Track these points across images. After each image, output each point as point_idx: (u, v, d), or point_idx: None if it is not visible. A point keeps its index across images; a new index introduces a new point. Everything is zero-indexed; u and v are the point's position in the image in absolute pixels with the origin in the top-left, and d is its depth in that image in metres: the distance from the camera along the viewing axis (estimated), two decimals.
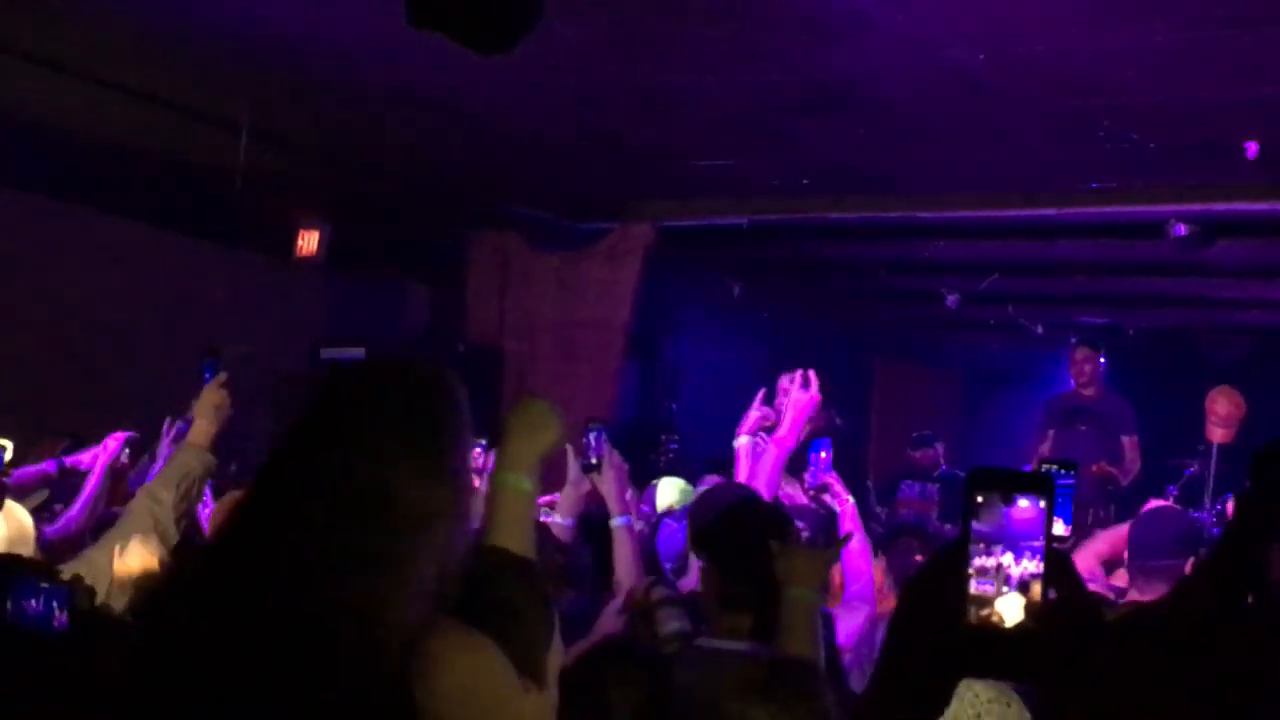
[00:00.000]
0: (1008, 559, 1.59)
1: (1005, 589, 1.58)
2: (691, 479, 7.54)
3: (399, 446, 2.21)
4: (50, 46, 7.02)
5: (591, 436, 5.71)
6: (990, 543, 1.60)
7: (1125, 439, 10.58)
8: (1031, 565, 1.59)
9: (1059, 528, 4.27)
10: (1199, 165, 7.85)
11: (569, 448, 6.10)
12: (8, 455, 4.82)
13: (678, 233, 9.86)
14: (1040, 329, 12.22)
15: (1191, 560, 5.52)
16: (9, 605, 3.15)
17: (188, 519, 4.36)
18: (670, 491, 7.38)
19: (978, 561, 1.60)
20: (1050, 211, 8.64)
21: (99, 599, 3.37)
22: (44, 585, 3.24)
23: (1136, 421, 10.63)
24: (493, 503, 2.69)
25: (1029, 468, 5.95)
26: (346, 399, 2.30)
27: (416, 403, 2.30)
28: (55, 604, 3.15)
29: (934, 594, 1.64)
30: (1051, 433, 10.71)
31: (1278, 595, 1.94)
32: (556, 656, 2.68)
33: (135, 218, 9.37)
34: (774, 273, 11.48)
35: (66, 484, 6.24)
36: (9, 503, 4.59)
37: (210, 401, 4.56)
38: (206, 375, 4.78)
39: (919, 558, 6.37)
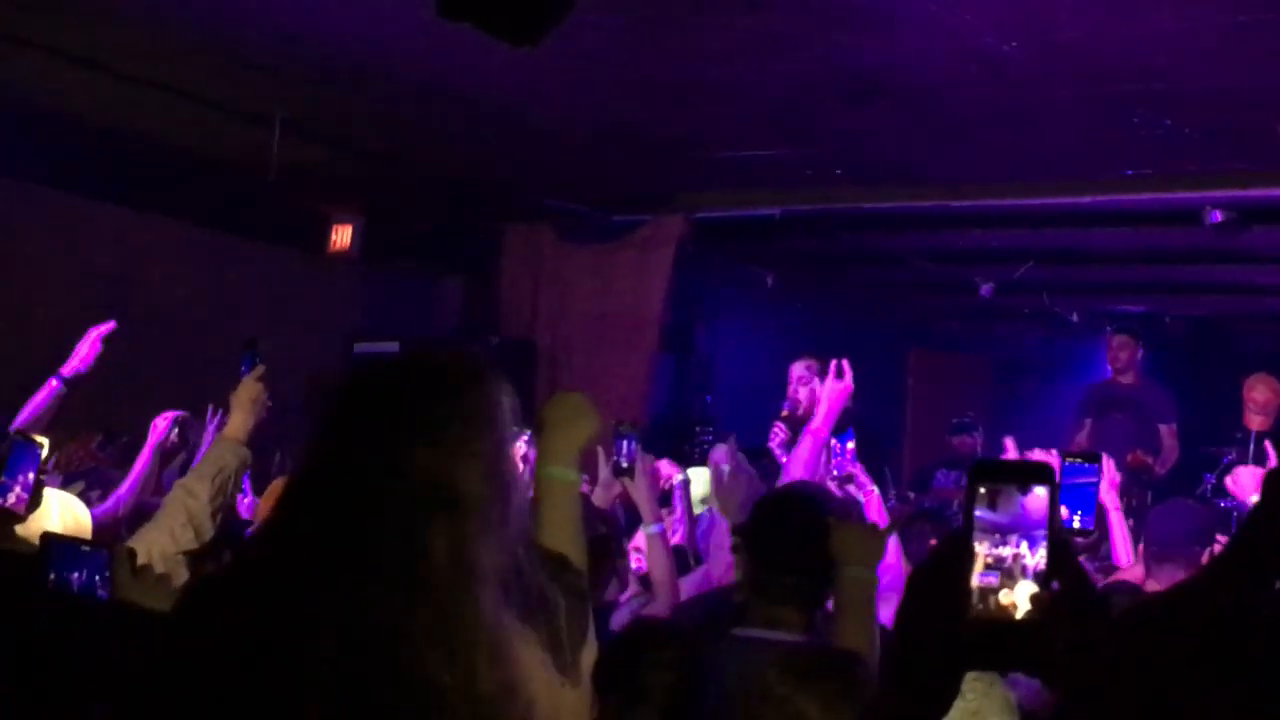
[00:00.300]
0: (1010, 550, 1.59)
1: (1008, 581, 1.58)
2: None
3: (447, 437, 2.18)
4: (82, 43, 7.06)
5: (624, 441, 5.70)
6: (993, 534, 1.59)
7: (1163, 427, 10.51)
8: (1035, 556, 1.58)
9: (1078, 521, 4.25)
10: (1234, 151, 7.80)
11: (600, 449, 6.12)
12: (44, 452, 4.82)
13: (710, 224, 9.86)
14: (1075, 317, 12.17)
15: (1208, 551, 5.51)
16: (52, 576, 3.20)
17: (224, 511, 4.36)
18: (702, 482, 7.37)
19: (980, 553, 1.59)
20: (1085, 199, 8.60)
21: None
22: (85, 550, 3.29)
23: (1176, 409, 10.56)
24: (540, 498, 2.69)
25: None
26: (388, 391, 2.26)
27: (458, 394, 2.26)
28: (97, 573, 3.19)
29: (937, 586, 1.63)
30: (1089, 421, 10.65)
31: None
32: (591, 652, 2.69)
33: (169, 214, 9.41)
34: (807, 263, 11.46)
35: (100, 474, 6.25)
36: (65, 495, 4.55)
37: (247, 395, 4.52)
38: (244, 368, 4.77)
39: (933, 542, 6.34)
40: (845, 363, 5.94)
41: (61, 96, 7.85)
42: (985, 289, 10.97)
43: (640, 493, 5.45)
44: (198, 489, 4.30)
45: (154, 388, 6.52)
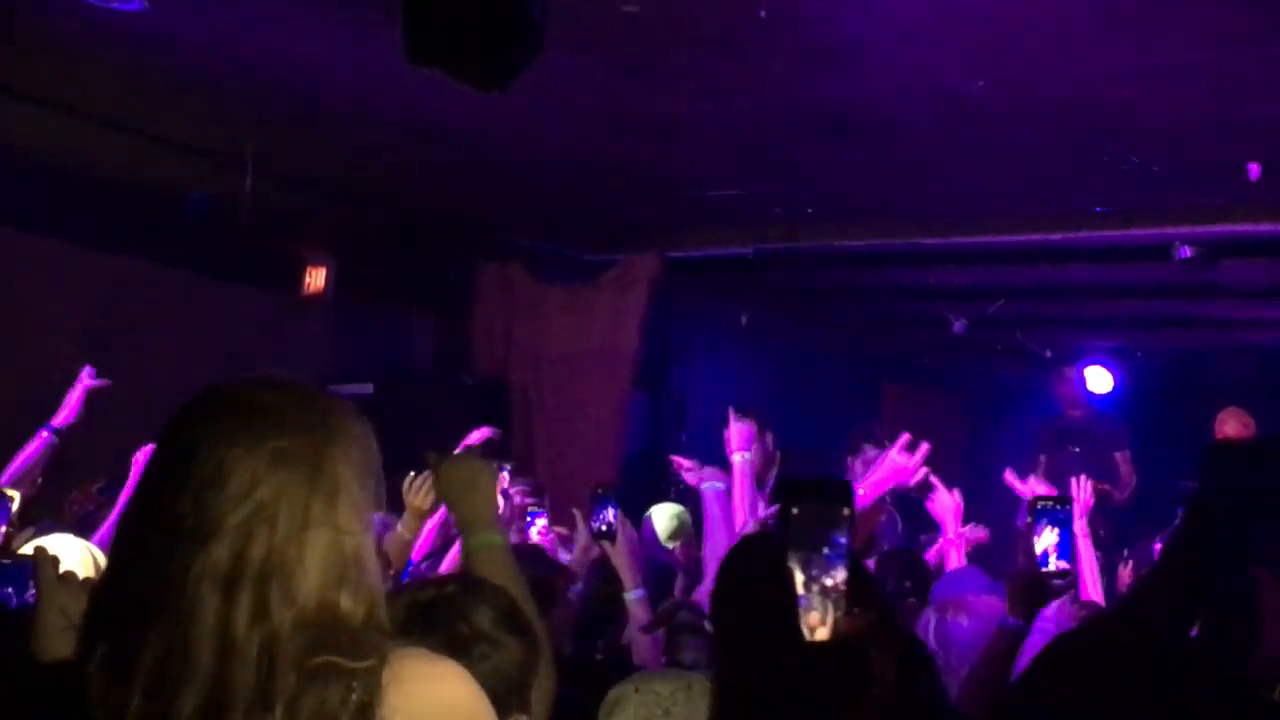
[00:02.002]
0: (821, 569, 1.59)
1: (815, 600, 1.58)
2: (698, 508, 7.53)
3: (257, 458, 2.03)
4: (53, 85, 7.05)
5: (602, 505, 5.71)
6: (803, 553, 1.60)
7: (1118, 454, 10.59)
8: (837, 576, 1.59)
9: (1055, 562, 4.27)
10: (1202, 187, 7.86)
11: (577, 513, 6.15)
12: (14, 505, 4.78)
13: (684, 262, 9.88)
14: (1049, 353, 12.21)
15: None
16: None
17: None
18: (664, 518, 7.38)
19: (798, 574, 1.60)
20: (1055, 236, 8.65)
21: None
22: (5, 563, 3.27)
23: (1128, 436, 10.64)
24: (476, 569, 2.67)
25: (1026, 496, 5.94)
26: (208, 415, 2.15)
27: (278, 415, 2.12)
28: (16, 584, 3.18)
29: (768, 614, 1.64)
30: (1043, 457, 10.71)
31: (1242, 623, 1.93)
32: (548, 682, 2.68)
33: (139, 255, 9.38)
34: (780, 300, 11.49)
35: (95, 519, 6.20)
36: (86, 544, 4.50)
37: None
38: None
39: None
40: (925, 446, 5.87)
41: (33, 139, 7.83)
42: (958, 325, 11.00)
43: (620, 557, 5.43)
44: None
45: (124, 431, 6.50)
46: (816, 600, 1.61)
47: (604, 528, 5.62)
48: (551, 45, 4.78)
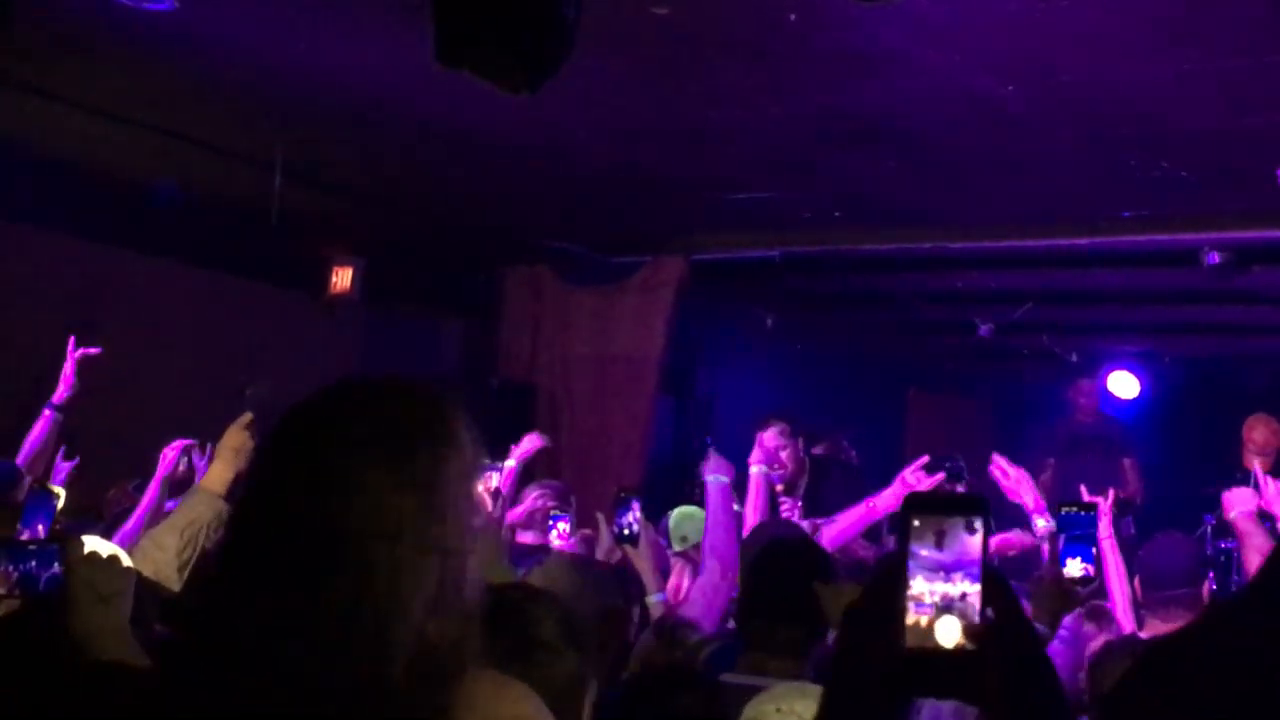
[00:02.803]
0: (945, 585, 1.61)
1: (944, 612, 1.60)
2: None
3: (384, 475, 2.00)
4: (84, 88, 7.09)
5: (626, 508, 5.74)
6: (928, 566, 1.62)
7: (1125, 460, 10.58)
8: (969, 587, 1.61)
9: (1077, 568, 4.27)
10: (1231, 193, 7.83)
11: (600, 516, 6.16)
12: (60, 503, 4.83)
13: (710, 266, 9.87)
14: (1075, 358, 12.17)
15: (1206, 584, 5.53)
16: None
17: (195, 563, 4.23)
18: (685, 521, 7.38)
19: (915, 586, 1.62)
20: (1083, 241, 8.62)
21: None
22: (32, 548, 3.29)
23: (1134, 442, 10.63)
24: None
25: (1043, 503, 5.96)
26: (325, 425, 2.12)
27: (406, 427, 2.10)
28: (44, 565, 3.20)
29: (874, 620, 1.65)
30: (1052, 462, 10.70)
31: None
32: (592, 694, 2.68)
33: (169, 256, 9.42)
34: (806, 304, 11.47)
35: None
36: (114, 548, 4.51)
37: (230, 444, 4.39)
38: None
39: None
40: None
41: (64, 141, 7.88)
42: (984, 329, 10.99)
43: (643, 561, 5.45)
44: (166, 541, 4.15)
45: (153, 431, 6.53)
46: (934, 611, 1.64)
47: (626, 531, 5.65)
48: (581, 48, 4.79)
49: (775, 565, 4.18)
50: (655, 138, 7.44)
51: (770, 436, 8.16)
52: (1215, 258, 8.27)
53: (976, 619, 1.60)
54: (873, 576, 1.74)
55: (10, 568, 3.23)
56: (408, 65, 6.15)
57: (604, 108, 6.91)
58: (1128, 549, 8.47)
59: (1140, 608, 5.75)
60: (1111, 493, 9.68)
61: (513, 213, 9.40)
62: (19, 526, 4.65)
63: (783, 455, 8.13)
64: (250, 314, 10.10)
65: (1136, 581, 5.63)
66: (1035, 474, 10.21)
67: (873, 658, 1.65)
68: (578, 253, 10.18)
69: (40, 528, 4.65)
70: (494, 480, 6.36)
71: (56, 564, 3.17)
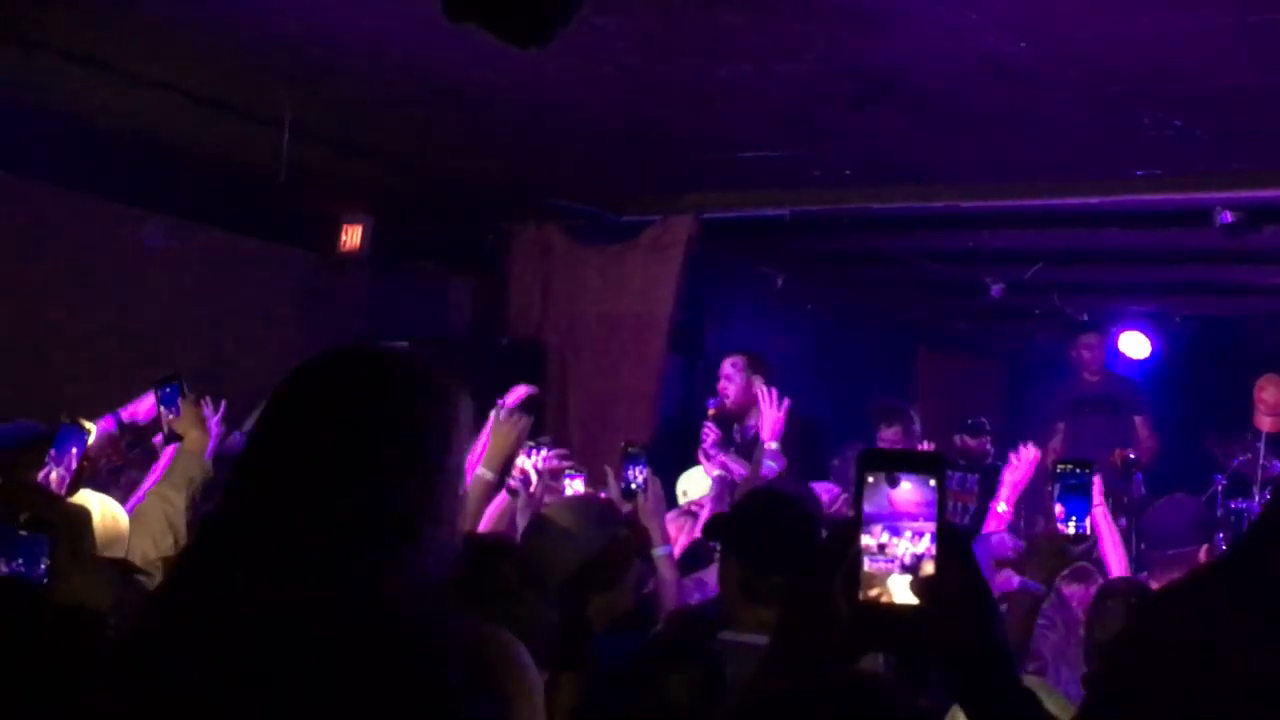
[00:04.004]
0: (899, 538, 1.63)
1: (897, 568, 1.62)
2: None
3: (378, 444, 2.04)
4: (90, 43, 7.07)
5: (632, 463, 5.78)
6: (882, 522, 1.63)
7: (1137, 419, 10.56)
8: (923, 544, 1.62)
9: (1072, 526, 4.29)
10: (1245, 152, 7.79)
11: (609, 470, 6.21)
12: (90, 439, 4.82)
13: (720, 225, 9.84)
14: (1086, 317, 12.15)
15: (1206, 547, 5.53)
16: None
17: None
18: (698, 480, 7.39)
19: (870, 541, 1.63)
20: (1094, 200, 8.59)
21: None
22: (23, 535, 3.27)
23: (1146, 400, 10.61)
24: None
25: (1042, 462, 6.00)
26: (321, 395, 2.12)
27: (399, 397, 2.12)
28: (36, 558, 3.18)
29: (827, 575, 1.66)
30: (1061, 424, 10.69)
31: None
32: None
33: (177, 214, 9.42)
34: (817, 264, 11.45)
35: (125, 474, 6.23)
36: (106, 501, 4.52)
37: (190, 421, 4.79)
38: (165, 404, 4.88)
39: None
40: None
41: (69, 96, 7.86)
42: (995, 289, 10.96)
43: (649, 517, 5.46)
44: (173, 497, 4.30)
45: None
46: (887, 567, 1.66)
47: (633, 485, 5.68)
48: (590, 4, 4.76)
49: (762, 515, 4.19)
50: (664, 95, 7.40)
51: (726, 364, 8.88)
52: (1228, 217, 8.23)
53: (928, 575, 1.62)
54: (828, 533, 1.75)
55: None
56: (416, 21, 6.13)
57: (612, 64, 6.87)
58: (1137, 509, 8.49)
59: (1142, 568, 5.77)
60: (1118, 453, 9.73)
61: (521, 171, 9.37)
62: (51, 453, 4.65)
63: (727, 386, 8.80)
64: (260, 272, 10.10)
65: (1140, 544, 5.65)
66: (1045, 440, 10.28)
67: (825, 612, 1.67)
68: (587, 211, 10.15)
69: (73, 453, 4.64)
70: (532, 460, 6.27)
71: (45, 559, 3.16)
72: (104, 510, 4.37)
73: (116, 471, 6.24)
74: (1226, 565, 2.05)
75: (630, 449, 5.96)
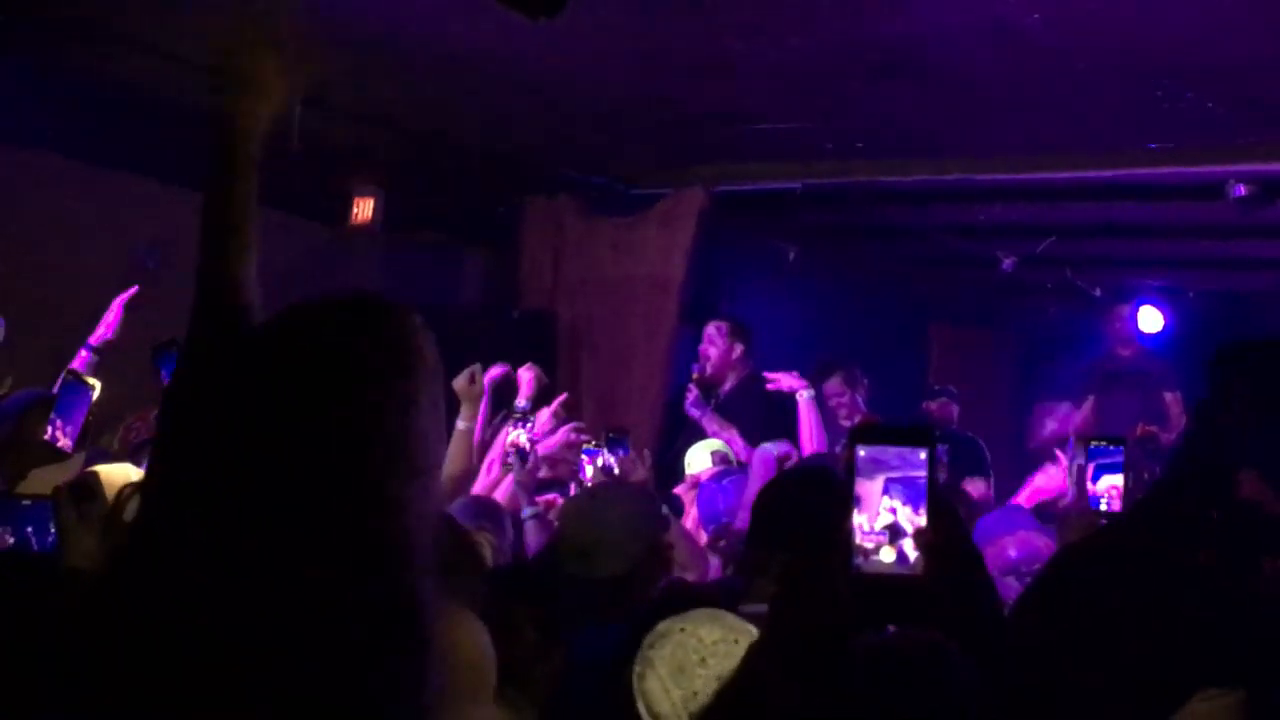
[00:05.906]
0: (891, 509, 1.64)
1: (889, 538, 1.63)
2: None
3: (348, 401, 2.06)
4: (98, 11, 7.06)
5: (614, 449, 5.94)
6: (874, 494, 1.65)
7: (1168, 395, 10.52)
8: (915, 515, 1.64)
9: (1105, 504, 4.29)
10: (1258, 125, 7.75)
11: (646, 452, 6.40)
12: (95, 394, 4.80)
13: (732, 197, 9.83)
14: (1098, 292, 12.12)
15: None
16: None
17: None
18: (703, 454, 7.39)
19: (863, 513, 1.65)
20: (1107, 173, 8.56)
21: None
22: (26, 504, 3.25)
23: (1178, 377, 10.58)
24: None
25: (1070, 437, 6.02)
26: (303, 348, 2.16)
27: (370, 353, 2.14)
28: (44, 521, 3.16)
29: (823, 546, 1.68)
30: (1092, 398, 10.66)
31: (1246, 513, 1.97)
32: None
33: (188, 185, 9.42)
34: (828, 237, 11.44)
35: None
36: (130, 469, 4.53)
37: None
38: (166, 371, 4.86)
39: None
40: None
41: (72, 63, 7.85)
42: (1007, 263, 10.93)
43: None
44: None
45: None
46: (881, 537, 1.67)
47: (615, 470, 5.83)
48: None
49: (779, 493, 4.21)
50: (676, 67, 7.39)
51: (709, 328, 9.16)
52: (1241, 190, 8.21)
53: (921, 545, 1.64)
54: (822, 510, 1.76)
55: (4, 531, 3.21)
56: None
57: (624, 36, 6.86)
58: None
59: None
60: (1140, 427, 9.70)
61: (533, 143, 9.36)
62: (52, 416, 4.63)
63: (709, 349, 9.08)
64: (270, 244, 10.08)
65: None
66: (1075, 412, 10.28)
67: (822, 584, 1.68)
68: (598, 183, 10.14)
69: (78, 417, 4.62)
70: (522, 436, 6.29)
71: (54, 527, 3.13)
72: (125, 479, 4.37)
73: (145, 445, 6.27)
74: (1130, 518, 2.10)
75: (611, 435, 6.15)
